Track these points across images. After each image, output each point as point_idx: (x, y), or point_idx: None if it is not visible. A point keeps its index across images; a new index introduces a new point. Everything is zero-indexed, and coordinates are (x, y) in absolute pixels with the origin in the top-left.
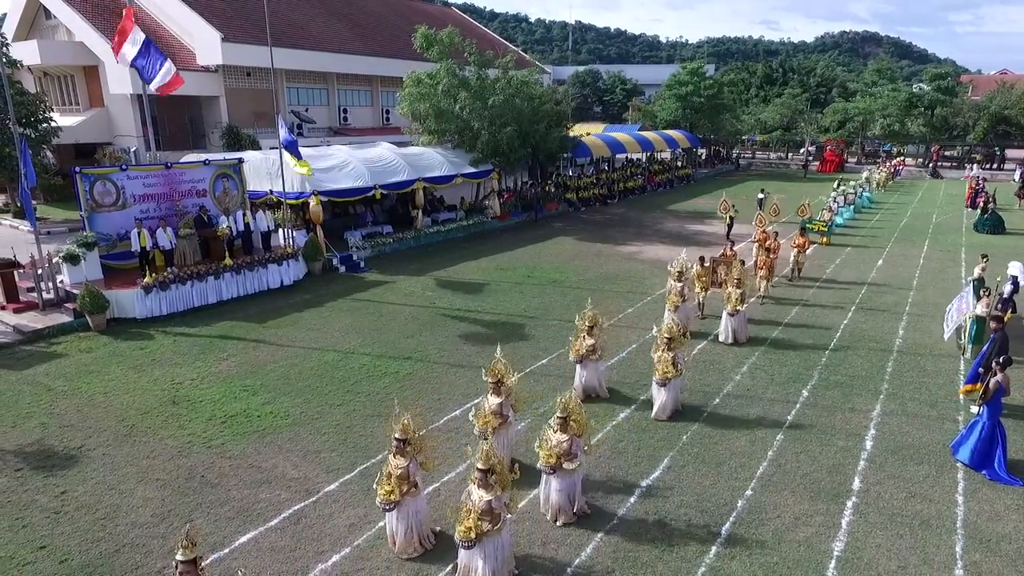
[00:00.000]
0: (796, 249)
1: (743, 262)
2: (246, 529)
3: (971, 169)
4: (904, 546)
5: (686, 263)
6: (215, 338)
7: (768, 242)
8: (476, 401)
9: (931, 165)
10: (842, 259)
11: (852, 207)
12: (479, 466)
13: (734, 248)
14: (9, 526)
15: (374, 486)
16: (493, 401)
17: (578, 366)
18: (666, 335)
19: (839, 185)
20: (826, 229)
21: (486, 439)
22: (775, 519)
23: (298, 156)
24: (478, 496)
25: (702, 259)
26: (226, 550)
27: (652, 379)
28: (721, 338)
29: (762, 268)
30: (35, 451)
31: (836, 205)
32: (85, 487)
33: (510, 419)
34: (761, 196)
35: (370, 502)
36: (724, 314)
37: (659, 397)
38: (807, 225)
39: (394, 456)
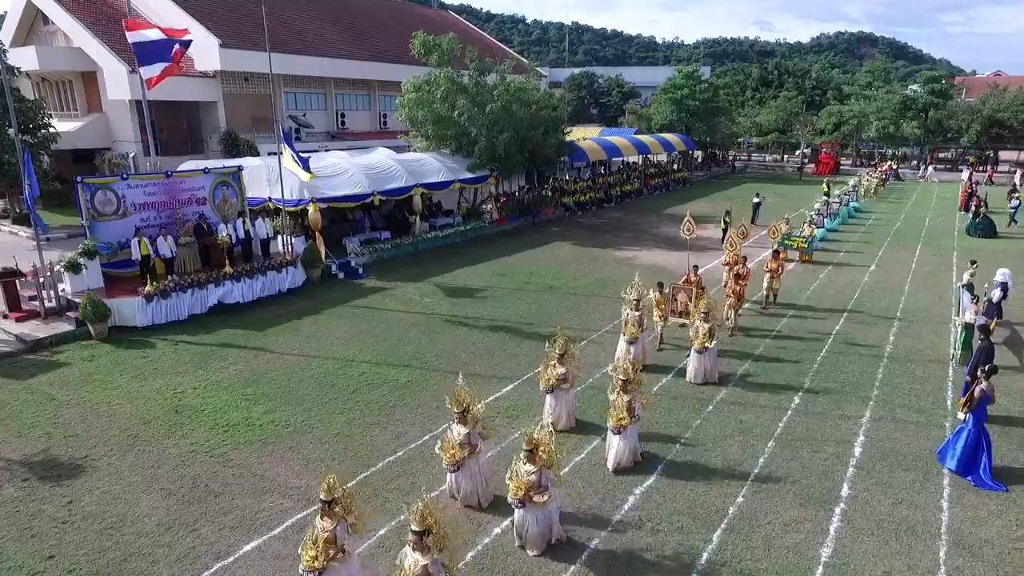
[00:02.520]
0: (769, 274)
1: (703, 289)
2: (250, 538)
3: (926, 170)
4: (890, 552)
5: (642, 288)
6: (216, 346)
7: (738, 267)
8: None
9: (895, 168)
10: (824, 276)
11: (836, 217)
12: (413, 527)
13: (698, 272)
14: (18, 536)
15: (299, 551)
16: (460, 431)
17: (548, 396)
18: (621, 376)
19: (828, 190)
20: (806, 246)
21: (457, 470)
22: (765, 525)
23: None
24: (413, 560)
25: (660, 285)
26: (231, 559)
27: (607, 426)
28: (690, 378)
29: (730, 296)
30: (41, 461)
31: (821, 218)
32: (91, 497)
33: (479, 448)
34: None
35: (370, 511)
36: (692, 351)
37: (614, 446)
38: (785, 242)
39: (320, 518)
